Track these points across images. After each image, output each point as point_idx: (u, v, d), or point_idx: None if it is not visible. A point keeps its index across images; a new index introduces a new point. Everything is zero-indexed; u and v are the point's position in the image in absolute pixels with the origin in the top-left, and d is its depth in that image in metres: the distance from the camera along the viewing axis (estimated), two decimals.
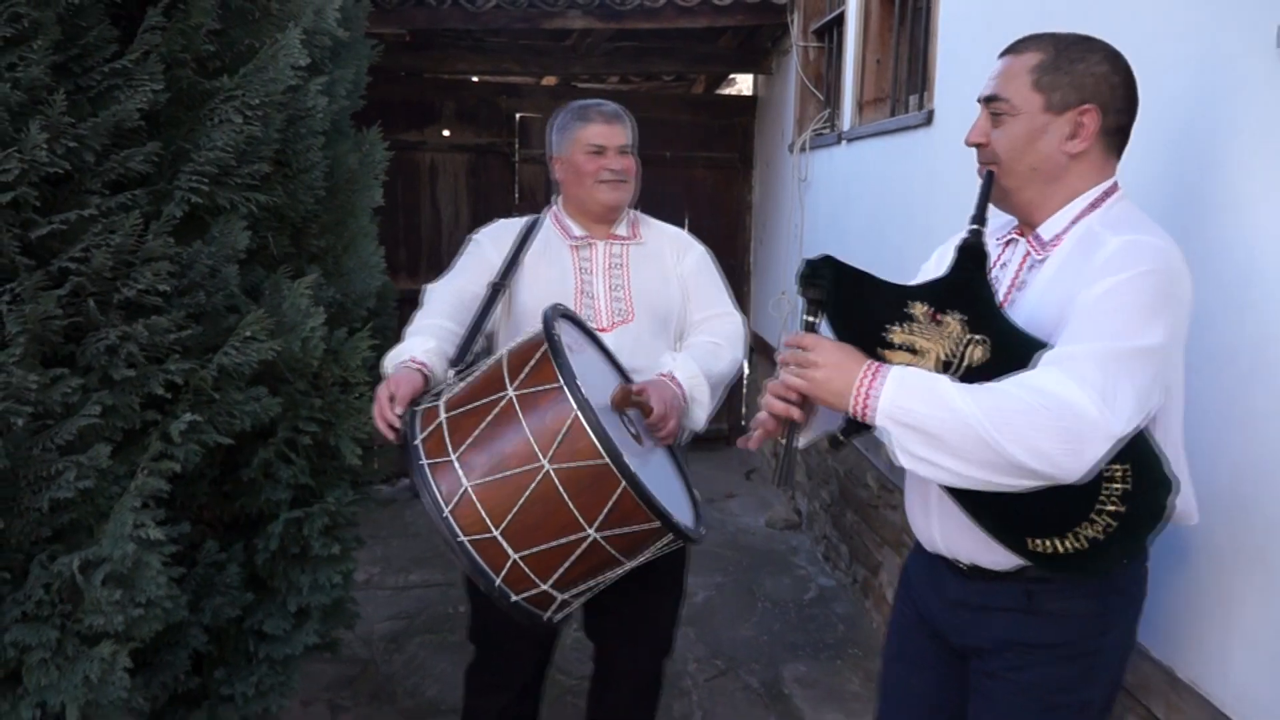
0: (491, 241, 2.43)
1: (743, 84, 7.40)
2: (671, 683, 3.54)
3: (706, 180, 6.57)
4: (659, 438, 2.15)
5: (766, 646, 3.86)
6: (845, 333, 1.59)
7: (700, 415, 2.26)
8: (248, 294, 2.20)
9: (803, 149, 5.15)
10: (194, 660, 2.26)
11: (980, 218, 1.59)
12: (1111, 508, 1.46)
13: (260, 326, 1.99)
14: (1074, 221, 1.58)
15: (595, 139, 2.37)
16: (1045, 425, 1.35)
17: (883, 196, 3.97)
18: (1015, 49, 1.63)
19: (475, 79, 6.39)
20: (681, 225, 6.42)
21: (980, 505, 1.53)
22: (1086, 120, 1.55)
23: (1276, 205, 1.71)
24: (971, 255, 1.56)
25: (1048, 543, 1.50)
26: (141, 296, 1.88)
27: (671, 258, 2.51)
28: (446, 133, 6.04)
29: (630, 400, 2.03)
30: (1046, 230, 1.61)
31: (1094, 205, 1.58)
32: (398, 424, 1.92)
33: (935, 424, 1.41)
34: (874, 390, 1.45)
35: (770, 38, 5.93)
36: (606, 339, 2.29)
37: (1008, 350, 1.48)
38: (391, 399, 1.95)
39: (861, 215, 4.24)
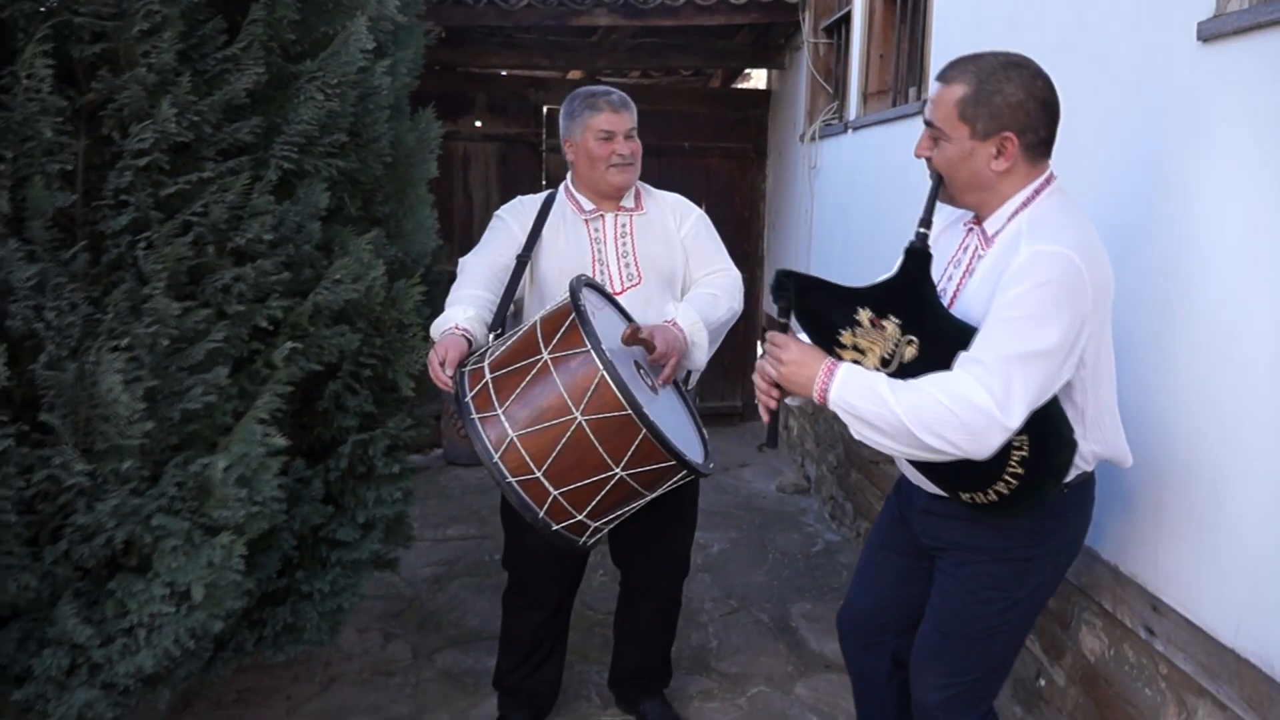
0: (513, 217, 2.70)
1: (757, 79, 7.74)
2: (689, 618, 3.90)
3: (722, 169, 6.92)
4: (662, 374, 2.43)
5: (776, 589, 4.22)
6: (810, 332, 1.96)
7: (700, 357, 2.54)
8: (321, 249, 2.57)
9: (813, 138, 5.50)
10: (281, 564, 2.65)
11: (927, 220, 1.89)
12: (1013, 470, 1.80)
13: (346, 271, 2.37)
14: (1010, 218, 1.85)
15: (605, 125, 2.62)
16: (953, 423, 1.69)
17: (884, 179, 4.32)
18: (945, 78, 1.86)
19: (504, 73, 6.77)
20: None
21: (925, 465, 1.92)
22: (1007, 145, 1.80)
23: (1196, 179, 2.06)
24: (916, 259, 1.88)
25: (971, 495, 1.88)
26: (249, 245, 2.26)
27: (673, 223, 2.77)
28: (478, 123, 6.43)
29: (636, 338, 2.33)
30: (990, 226, 1.88)
31: (1026, 203, 1.84)
32: (450, 384, 2.23)
33: (871, 415, 1.76)
34: (827, 385, 1.82)
35: (783, 34, 6.28)
36: (620, 300, 2.58)
37: (936, 347, 1.80)
38: (442, 363, 2.25)
39: (866, 197, 4.59)
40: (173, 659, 2.34)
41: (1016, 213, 1.84)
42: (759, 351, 2.02)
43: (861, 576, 2.34)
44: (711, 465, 2.35)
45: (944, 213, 2.00)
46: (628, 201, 2.75)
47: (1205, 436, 2.03)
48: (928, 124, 1.89)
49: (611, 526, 2.33)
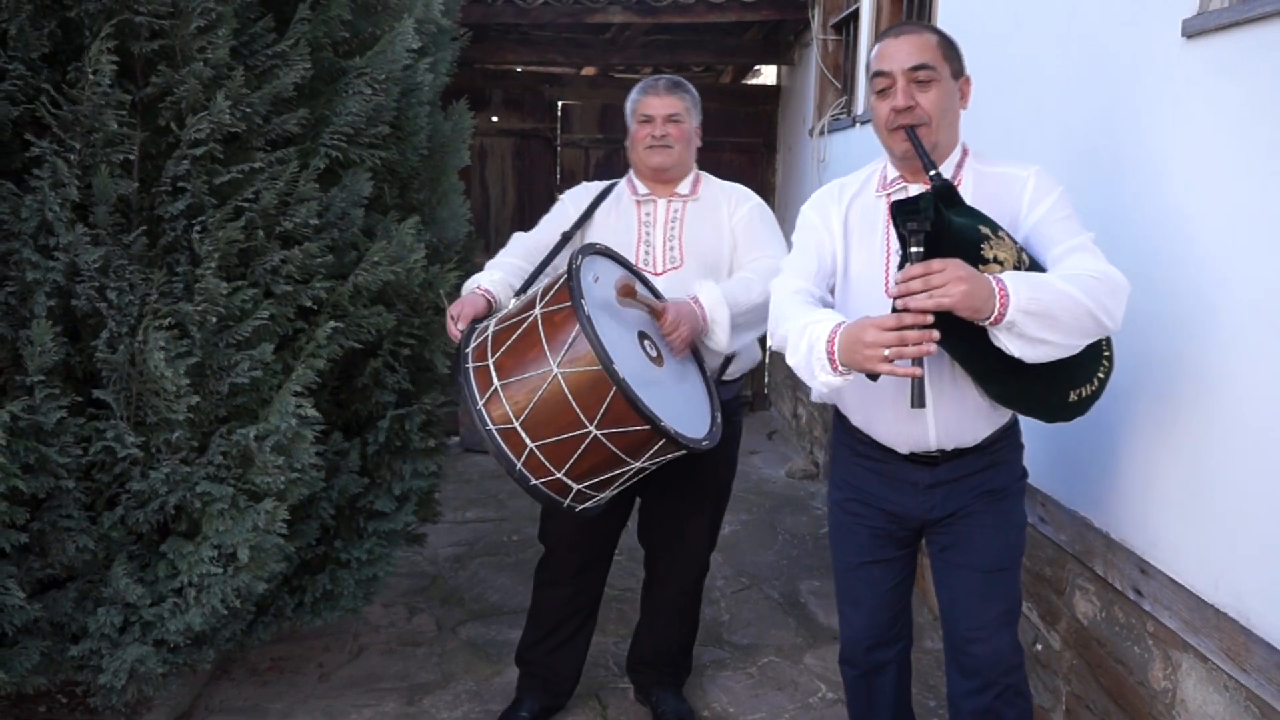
0: (572, 199, 2.83)
1: (767, 75, 7.87)
2: (701, 595, 4.04)
3: (733, 164, 7.03)
4: (672, 346, 2.45)
5: (786, 568, 4.37)
6: (946, 255, 1.74)
7: (721, 336, 2.52)
8: (363, 234, 2.74)
9: (821, 133, 5.64)
10: (319, 533, 2.81)
11: (931, 164, 1.89)
12: (1106, 354, 2.02)
13: (384, 254, 2.53)
14: (959, 166, 2.03)
15: (645, 110, 2.74)
16: (1111, 291, 1.83)
17: None
18: (917, 30, 2.01)
19: (520, 69, 6.92)
20: None
21: (1022, 397, 1.99)
22: (965, 89, 2.04)
23: (1182, 167, 2.21)
24: (951, 193, 1.87)
25: (1081, 390, 1.99)
26: (296, 229, 2.42)
27: (725, 211, 2.80)
28: (495, 119, 6.57)
29: (631, 292, 2.33)
30: (944, 172, 1.96)
31: (965, 153, 2.05)
32: (458, 335, 2.35)
33: (1055, 306, 1.75)
34: (1006, 291, 1.72)
35: (793, 31, 6.43)
36: (658, 282, 2.62)
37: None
38: (455, 318, 2.39)
39: None
40: (219, 618, 2.50)
41: (963, 160, 2.04)
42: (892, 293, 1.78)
43: (860, 601, 2.28)
44: (705, 443, 2.31)
45: (822, 206, 2.26)
46: (684, 188, 2.80)
47: (1190, 407, 2.17)
48: (919, 68, 1.93)
49: (607, 495, 2.35)
